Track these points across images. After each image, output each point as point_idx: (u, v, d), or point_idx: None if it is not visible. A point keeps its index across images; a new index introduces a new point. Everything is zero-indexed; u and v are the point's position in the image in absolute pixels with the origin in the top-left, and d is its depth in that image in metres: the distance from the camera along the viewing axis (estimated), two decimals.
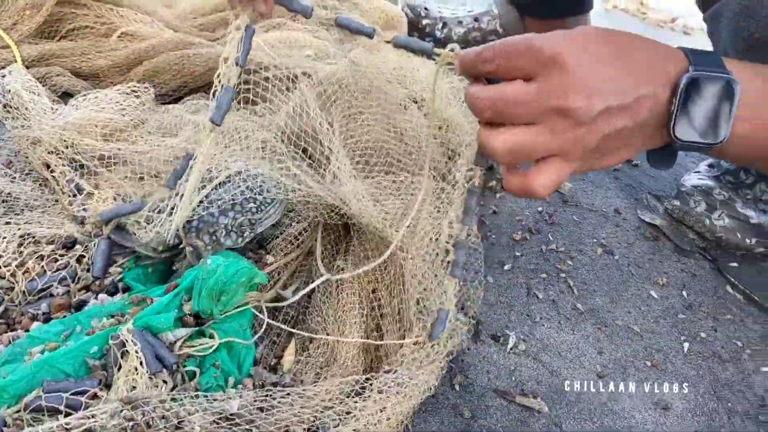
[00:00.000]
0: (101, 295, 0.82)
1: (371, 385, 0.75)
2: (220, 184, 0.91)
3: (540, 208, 1.23)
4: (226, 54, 0.84)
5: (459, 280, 0.81)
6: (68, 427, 0.61)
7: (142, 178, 0.94)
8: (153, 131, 1.03)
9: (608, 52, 0.60)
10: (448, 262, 0.80)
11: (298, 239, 0.95)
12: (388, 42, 0.80)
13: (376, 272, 0.95)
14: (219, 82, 0.83)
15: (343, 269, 0.96)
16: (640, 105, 0.61)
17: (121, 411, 0.63)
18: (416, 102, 1.30)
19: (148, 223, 0.88)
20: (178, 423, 0.64)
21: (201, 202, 0.88)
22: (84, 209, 0.92)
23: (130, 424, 0.63)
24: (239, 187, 0.91)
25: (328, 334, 0.85)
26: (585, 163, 0.62)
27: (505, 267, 1.08)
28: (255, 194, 0.91)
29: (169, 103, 1.18)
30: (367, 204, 0.93)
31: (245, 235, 0.88)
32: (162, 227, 0.84)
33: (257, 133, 0.99)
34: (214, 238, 0.85)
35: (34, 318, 0.80)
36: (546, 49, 0.58)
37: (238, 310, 0.80)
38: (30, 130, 0.99)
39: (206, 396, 0.69)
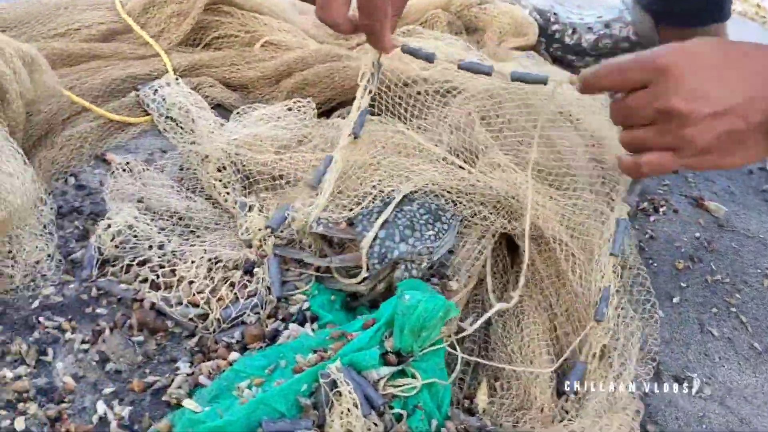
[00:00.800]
0: (292, 325, 0.81)
1: None
2: (398, 206, 0.90)
3: (697, 234, 1.18)
4: (360, 83, 0.96)
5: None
6: None
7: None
8: (319, 146, 1.02)
9: (719, 59, 0.69)
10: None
11: (475, 262, 0.92)
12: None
13: (551, 290, 0.92)
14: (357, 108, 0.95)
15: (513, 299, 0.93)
16: (752, 108, 0.68)
17: None
18: (561, 113, 1.26)
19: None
20: None
21: (382, 225, 0.87)
22: (247, 229, 0.91)
23: None
24: (417, 210, 0.89)
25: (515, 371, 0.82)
26: (698, 161, 0.72)
27: (674, 300, 1.04)
28: (432, 219, 0.89)
29: (318, 116, 1.17)
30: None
31: (422, 266, 0.86)
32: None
33: (432, 148, 0.98)
34: (398, 268, 0.84)
35: (228, 347, 0.79)
36: (655, 59, 0.69)
37: (434, 347, 0.77)
38: (200, 147, 0.99)
39: None
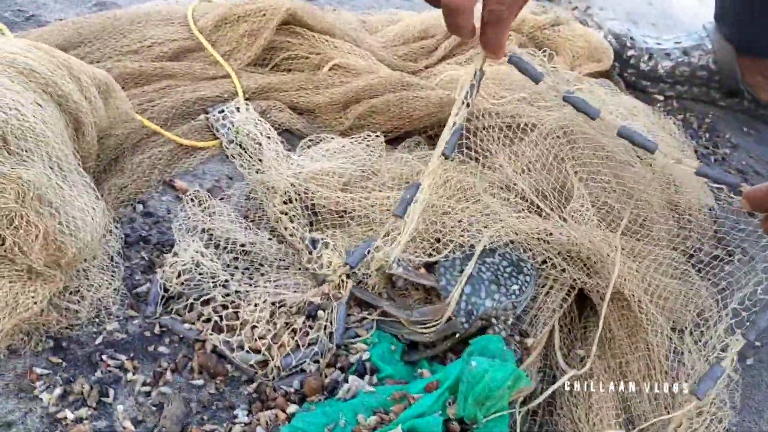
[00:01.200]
0: (351, 377, 0.79)
1: None
2: (480, 259, 0.87)
3: None
4: (459, 94, 0.89)
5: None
6: None
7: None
8: (388, 183, 0.99)
9: None
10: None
11: (553, 314, 0.89)
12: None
13: (624, 353, 0.88)
14: (453, 123, 0.88)
15: (584, 358, 0.89)
16: None
17: None
18: (640, 157, 1.21)
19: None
20: None
21: (467, 280, 0.85)
22: (321, 266, 0.89)
23: None
24: (500, 262, 0.87)
25: None
26: None
27: (747, 361, 0.98)
28: (515, 271, 0.86)
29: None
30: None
31: (509, 322, 0.84)
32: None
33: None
34: (490, 328, 0.82)
35: (286, 396, 0.78)
36: None
37: (498, 414, 0.75)
38: (268, 177, 0.98)
39: None
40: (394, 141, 1.18)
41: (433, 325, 0.84)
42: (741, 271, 1.14)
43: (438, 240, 0.91)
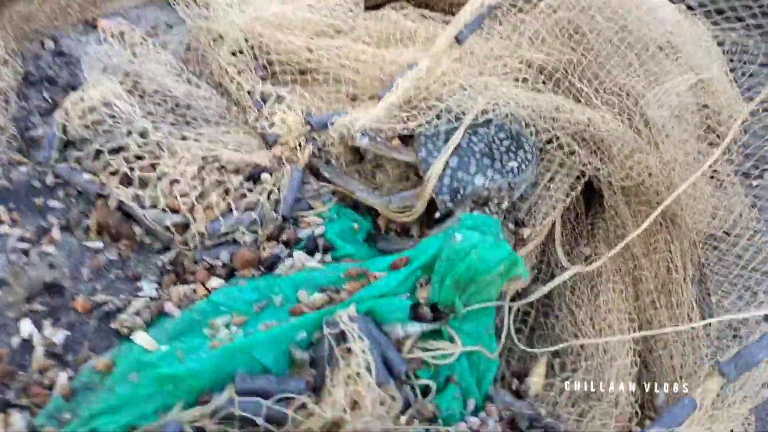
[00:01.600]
0: (297, 253, 0.61)
1: None
2: (471, 126, 0.68)
3: None
4: None
5: None
6: None
7: (354, 98, 0.72)
8: (362, 38, 0.80)
9: None
10: None
11: (557, 205, 0.71)
12: None
13: (637, 247, 0.71)
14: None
15: (590, 257, 0.72)
16: None
17: None
18: (661, 48, 1.02)
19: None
20: None
21: (453, 150, 0.66)
22: (272, 124, 0.71)
23: None
24: (496, 133, 0.68)
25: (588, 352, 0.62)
26: None
27: None
28: (514, 146, 0.68)
29: (371, 8, 0.95)
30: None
31: (503, 206, 0.66)
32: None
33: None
34: (476, 210, 0.64)
35: (211, 270, 0.60)
36: None
37: (482, 305, 0.57)
38: (213, 22, 0.78)
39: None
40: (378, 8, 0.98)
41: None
42: None
43: (423, 108, 0.72)
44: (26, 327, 0.53)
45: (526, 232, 0.69)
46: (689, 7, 1.42)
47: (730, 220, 0.82)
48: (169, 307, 0.56)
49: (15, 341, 0.52)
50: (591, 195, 0.79)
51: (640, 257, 0.72)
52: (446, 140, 0.68)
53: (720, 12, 1.43)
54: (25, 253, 0.58)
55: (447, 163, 0.66)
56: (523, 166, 0.69)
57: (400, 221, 0.67)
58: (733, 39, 1.38)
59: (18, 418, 0.48)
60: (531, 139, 0.72)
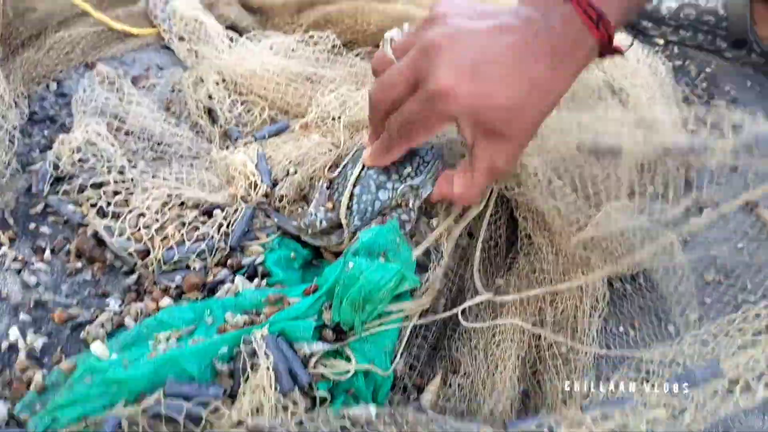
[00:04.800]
0: (237, 278, 0.74)
1: None
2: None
3: (740, 245, 1.03)
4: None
5: None
6: None
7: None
8: (330, 86, 0.92)
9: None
10: None
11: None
12: None
13: (544, 301, 0.81)
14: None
15: (501, 289, 0.83)
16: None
17: None
18: (614, 92, 1.12)
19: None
20: None
21: (354, 182, 0.77)
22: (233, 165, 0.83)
23: None
24: None
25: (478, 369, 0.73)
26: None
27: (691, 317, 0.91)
28: (407, 156, 0.76)
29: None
30: None
31: (415, 205, 0.75)
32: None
33: None
34: (390, 218, 0.74)
35: (165, 291, 0.73)
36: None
37: (382, 327, 0.69)
38: (196, 67, 0.91)
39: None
40: None
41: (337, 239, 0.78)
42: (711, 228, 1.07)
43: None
44: (14, 333, 0.67)
45: (435, 221, 0.78)
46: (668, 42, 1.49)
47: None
48: (127, 320, 0.70)
49: (4, 345, 0.66)
50: (515, 226, 0.87)
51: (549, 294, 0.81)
52: (344, 174, 0.79)
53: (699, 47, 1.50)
54: (18, 271, 0.72)
55: (352, 193, 0.77)
56: (421, 167, 0.77)
57: (330, 250, 0.79)
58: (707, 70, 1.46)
59: (1, 407, 0.62)
60: (427, 144, 0.81)
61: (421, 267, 0.75)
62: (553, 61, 0.62)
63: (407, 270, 0.69)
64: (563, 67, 0.62)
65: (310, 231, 0.77)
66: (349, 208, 0.76)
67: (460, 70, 0.61)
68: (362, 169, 0.77)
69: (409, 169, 0.77)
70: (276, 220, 0.80)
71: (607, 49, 0.64)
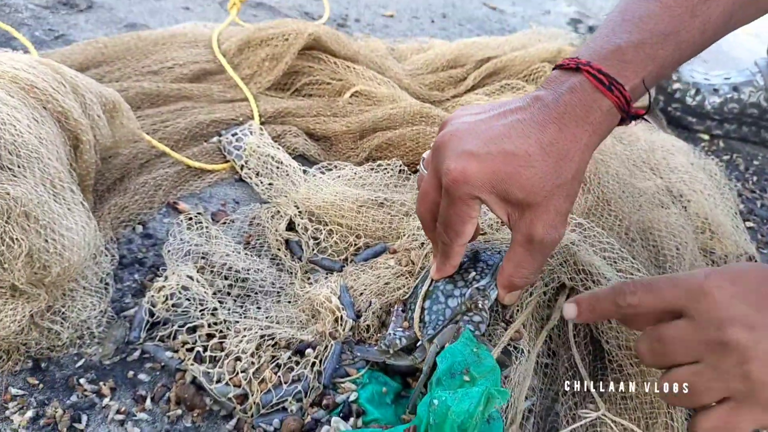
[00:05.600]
0: (334, 419, 0.74)
1: None
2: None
3: None
4: None
5: None
6: None
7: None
8: (400, 210, 0.95)
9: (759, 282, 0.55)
10: None
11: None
12: None
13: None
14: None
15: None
16: None
17: None
18: (675, 197, 1.13)
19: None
20: None
21: (424, 297, 0.79)
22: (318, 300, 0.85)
23: None
24: None
25: None
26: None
27: None
28: (469, 262, 0.80)
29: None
30: None
31: (485, 305, 0.76)
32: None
33: None
34: (461, 323, 0.75)
35: None
36: (691, 280, 0.57)
37: None
38: (275, 202, 0.95)
39: None
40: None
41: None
42: None
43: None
44: None
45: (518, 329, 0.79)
46: (712, 137, 1.52)
47: None
48: None
49: None
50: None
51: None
52: (415, 294, 0.81)
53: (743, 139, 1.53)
54: (122, 423, 0.73)
55: (422, 308, 0.79)
56: (486, 271, 0.78)
57: (417, 366, 0.78)
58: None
59: None
60: (487, 248, 0.83)
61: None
62: (563, 125, 0.64)
63: (492, 383, 0.68)
64: (575, 127, 0.64)
65: (391, 351, 0.78)
66: (421, 320, 0.78)
67: (465, 154, 0.64)
68: (431, 283, 0.80)
69: (473, 274, 0.79)
70: (359, 353, 0.81)
71: (626, 113, 0.65)
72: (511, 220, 0.68)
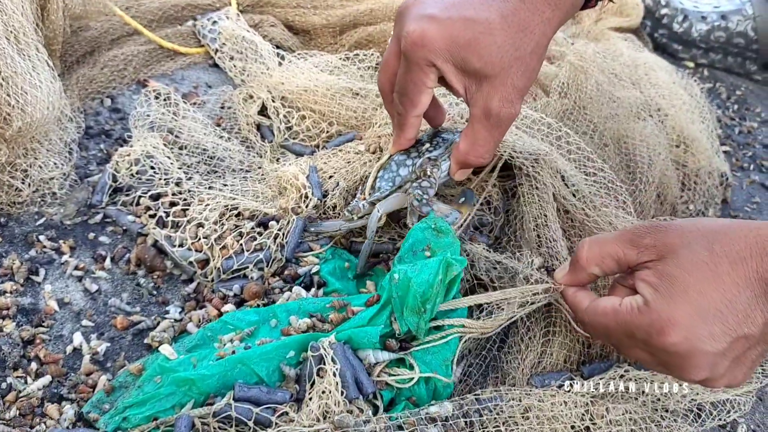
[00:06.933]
0: (295, 288, 0.74)
1: None
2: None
3: None
4: None
5: None
6: None
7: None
8: (375, 102, 0.94)
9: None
10: None
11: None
12: None
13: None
14: None
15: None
16: None
17: None
18: (653, 110, 1.13)
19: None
20: None
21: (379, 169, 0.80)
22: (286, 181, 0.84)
23: None
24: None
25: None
26: None
27: None
28: (426, 136, 0.79)
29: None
30: None
31: (437, 175, 0.75)
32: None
33: None
34: (411, 188, 0.75)
35: (224, 299, 0.74)
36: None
37: (445, 339, 0.69)
38: (247, 86, 0.93)
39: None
40: None
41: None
42: None
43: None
44: (77, 339, 0.68)
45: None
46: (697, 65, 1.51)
47: None
48: (189, 327, 0.70)
49: (68, 349, 0.66)
50: None
51: None
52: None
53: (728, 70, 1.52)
54: (80, 279, 0.73)
55: (375, 177, 0.79)
56: (440, 144, 0.78)
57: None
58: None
59: (68, 408, 0.62)
60: (447, 129, 0.82)
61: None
62: None
63: (452, 252, 0.68)
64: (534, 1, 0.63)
65: (355, 217, 0.78)
66: (372, 187, 0.78)
67: (426, 17, 0.63)
68: (388, 158, 0.79)
69: (427, 145, 0.78)
70: (312, 228, 0.81)
71: None
72: (468, 93, 0.66)
